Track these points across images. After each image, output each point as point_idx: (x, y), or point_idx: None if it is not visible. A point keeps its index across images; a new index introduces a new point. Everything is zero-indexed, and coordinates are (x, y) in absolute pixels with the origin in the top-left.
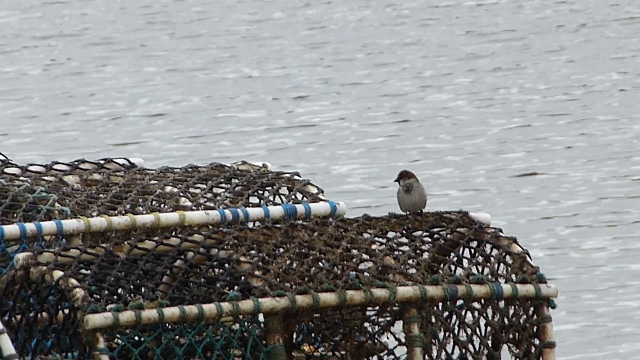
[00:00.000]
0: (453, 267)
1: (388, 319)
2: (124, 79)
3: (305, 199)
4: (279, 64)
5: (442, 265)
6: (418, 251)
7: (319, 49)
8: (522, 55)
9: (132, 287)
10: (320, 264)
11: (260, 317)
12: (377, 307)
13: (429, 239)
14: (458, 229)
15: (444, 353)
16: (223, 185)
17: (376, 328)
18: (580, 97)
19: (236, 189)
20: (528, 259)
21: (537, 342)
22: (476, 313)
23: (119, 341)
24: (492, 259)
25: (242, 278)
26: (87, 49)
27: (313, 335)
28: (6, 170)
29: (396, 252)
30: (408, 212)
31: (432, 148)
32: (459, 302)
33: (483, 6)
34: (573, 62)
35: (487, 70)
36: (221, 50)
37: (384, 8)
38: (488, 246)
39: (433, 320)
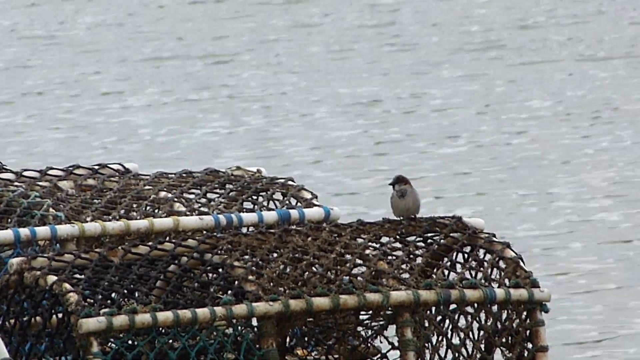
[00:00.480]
0: (446, 272)
1: (381, 323)
2: (119, 85)
3: (299, 204)
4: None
5: (435, 270)
6: (412, 256)
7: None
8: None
9: (125, 291)
10: (314, 268)
11: (254, 321)
12: (371, 311)
13: (423, 244)
14: (452, 234)
15: (437, 357)
16: (217, 190)
17: (369, 332)
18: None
19: (230, 194)
20: (521, 263)
21: (530, 346)
22: (469, 317)
23: (113, 345)
24: (485, 263)
25: (236, 282)
26: (78, 54)
27: (306, 339)
28: (0, 175)
29: (390, 257)
30: (402, 218)
31: (429, 156)
32: (452, 306)
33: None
34: (572, 74)
35: (498, 78)
36: (223, 54)
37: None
38: (481, 251)
39: (426, 324)
